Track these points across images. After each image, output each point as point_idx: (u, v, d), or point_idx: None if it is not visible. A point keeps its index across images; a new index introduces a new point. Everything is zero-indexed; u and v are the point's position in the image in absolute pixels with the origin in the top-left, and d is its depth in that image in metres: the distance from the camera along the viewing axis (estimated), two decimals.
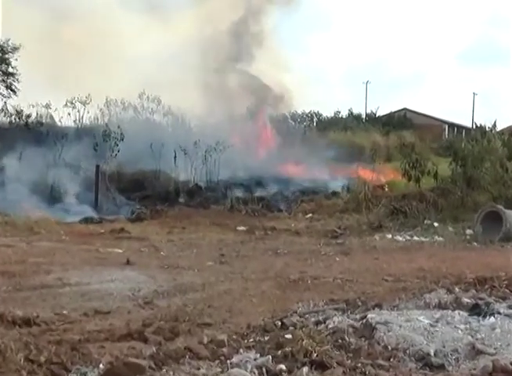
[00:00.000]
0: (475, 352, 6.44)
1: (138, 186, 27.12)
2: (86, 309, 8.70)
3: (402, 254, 14.94)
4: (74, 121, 33.82)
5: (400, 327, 7.03)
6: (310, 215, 23.27)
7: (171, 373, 6.00)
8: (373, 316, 7.47)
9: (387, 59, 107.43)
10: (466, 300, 8.57)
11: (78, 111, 33.75)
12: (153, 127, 35.72)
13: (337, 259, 14.21)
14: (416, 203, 20.87)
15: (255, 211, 23.38)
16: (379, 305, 8.57)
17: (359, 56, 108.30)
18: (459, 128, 60.32)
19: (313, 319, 7.97)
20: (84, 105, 33.59)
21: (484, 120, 68.26)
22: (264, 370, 6.03)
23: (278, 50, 43.98)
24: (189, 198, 26.27)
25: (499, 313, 7.66)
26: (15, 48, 30.99)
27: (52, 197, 24.38)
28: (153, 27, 43.41)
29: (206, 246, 16.30)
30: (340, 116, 57.63)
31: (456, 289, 9.63)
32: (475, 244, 17.04)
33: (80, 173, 26.92)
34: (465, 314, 7.75)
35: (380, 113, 61.62)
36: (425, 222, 19.85)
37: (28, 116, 31.11)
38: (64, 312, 8.51)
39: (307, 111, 53.39)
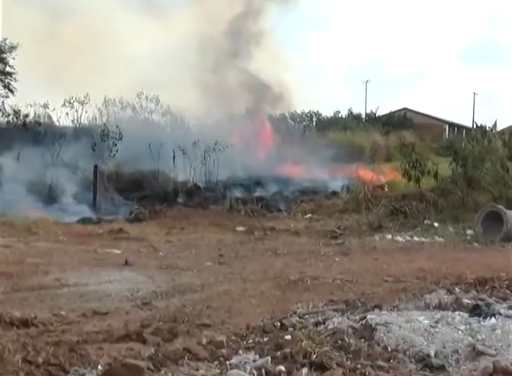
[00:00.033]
0: (476, 353, 6.45)
1: (136, 186, 27.09)
2: (84, 309, 8.70)
3: (401, 255, 14.95)
4: (72, 121, 33.81)
5: (400, 327, 7.04)
6: (309, 215, 23.27)
7: (170, 374, 6.01)
8: (372, 316, 7.48)
9: (386, 59, 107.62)
10: (466, 301, 8.58)
11: (76, 111, 33.74)
12: (151, 127, 35.74)
13: (337, 260, 14.21)
14: (416, 203, 20.87)
15: (254, 212, 23.37)
16: (379, 306, 8.58)
17: (359, 56, 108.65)
18: (460, 127, 60.36)
19: (313, 320, 7.98)
20: (82, 105, 33.56)
21: (485, 119, 68.34)
22: (263, 371, 6.03)
23: (277, 49, 44.17)
24: (187, 198, 26.25)
25: (499, 314, 7.68)
26: (12, 48, 30.96)
27: (50, 197, 24.35)
28: (151, 27, 43.52)
29: (205, 246, 16.29)
30: (339, 116, 57.77)
31: (457, 290, 9.63)
32: (476, 244, 17.05)
33: (78, 173, 26.89)
34: (465, 315, 7.76)
35: (380, 112, 61.79)
36: (425, 222, 19.85)
37: (26, 116, 31.08)
38: (62, 313, 8.50)
39: (306, 111, 53.56)
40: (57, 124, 33.10)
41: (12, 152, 26.01)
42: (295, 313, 8.56)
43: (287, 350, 6.43)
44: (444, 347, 6.59)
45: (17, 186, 22.99)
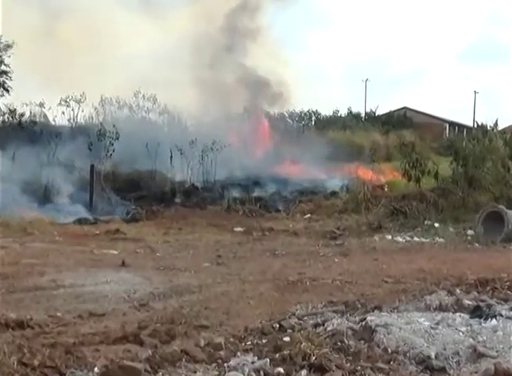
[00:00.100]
0: (477, 355, 6.44)
1: (133, 186, 27.08)
2: (80, 311, 8.69)
3: (401, 256, 14.95)
4: (68, 120, 33.89)
5: (400, 329, 7.04)
6: (308, 215, 23.27)
7: None
8: (372, 318, 7.48)
9: (386, 57, 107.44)
10: (467, 302, 8.58)
11: (72, 110, 33.84)
12: (148, 126, 35.75)
13: (336, 260, 14.20)
14: (416, 203, 20.88)
15: (253, 212, 23.37)
16: (378, 307, 8.58)
17: (359, 54, 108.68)
18: (460, 126, 60.34)
19: (312, 322, 7.97)
20: (78, 104, 33.65)
21: (486, 118, 68.01)
22: (262, 373, 6.04)
23: (276, 48, 44.14)
24: (185, 198, 26.24)
25: (500, 315, 7.67)
26: (8, 46, 30.93)
27: (46, 197, 24.34)
28: (148, 25, 43.53)
29: (202, 247, 16.30)
30: (339, 115, 57.77)
31: (457, 291, 9.63)
32: (476, 244, 17.05)
33: (74, 173, 26.88)
34: (466, 316, 7.76)
35: (380, 111, 61.80)
36: (425, 222, 19.86)
37: (21, 115, 31.12)
38: (58, 314, 8.50)
39: (305, 110, 53.55)
40: (53, 123, 33.18)
41: (7, 151, 25.97)
42: (294, 315, 8.56)
43: (286, 352, 6.43)
44: (444, 349, 6.59)
45: (12, 186, 22.95)
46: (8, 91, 31.75)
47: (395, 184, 26.22)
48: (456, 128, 60.71)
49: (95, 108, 35.48)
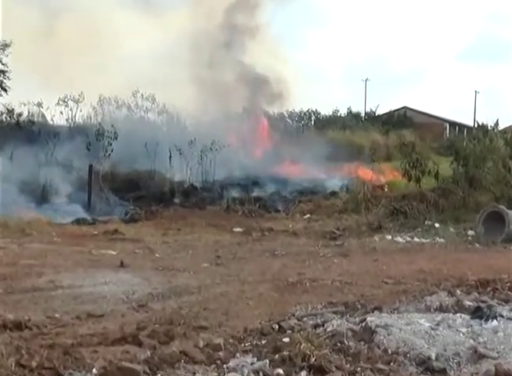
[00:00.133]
0: (477, 356, 6.45)
1: (132, 187, 27.08)
2: (79, 312, 8.69)
3: (402, 256, 14.95)
4: (67, 120, 33.89)
5: (400, 330, 7.04)
6: (308, 215, 23.27)
7: None
8: (372, 319, 7.48)
9: (386, 57, 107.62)
10: (468, 303, 8.58)
11: (71, 110, 33.83)
12: (147, 126, 35.75)
13: (336, 261, 14.20)
14: (416, 203, 20.87)
15: (252, 212, 23.37)
16: (379, 308, 8.58)
17: (358, 54, 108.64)
18: (461, 126, 60.35)
19: (311, 323, 7.97)
20: (76, 103, 33.65)
21: (486, 118, 68.12)
22: (261, 374, 6.04)
23: (275, 47, 44.03)
24: (184, 199, 26.24)
25: (501, 316, 7.67)
26: (6, 45, 30.89)
27: (44, 197, 24.33)
28: (146, 25, 43.52)
29: (201, 247, 16.30)
30: (338, 114, 57.73)
31: (458, 292, 9.64)
32: (477, 245, 17.05)
33: (72, 173, 26.87)
34: (467, 317, 7.76)
35: (380, 111, 61.80)
36: (426, 222, 19.85)
37: (19, 114, 31.09)
38: (56, 315, 8.50)
39: (305, 109, 53.52)
40: (51, 123, 33.17)
41: (5, 151, 25.98)
42: (293, 316, 8.56)
43: (286, 353, 6.43)
44: (445, 350, 6.59)
45: (10, 186, 22.95)
46: (6, 90, 31.69)
47: (395, 184, 26.21)
48: (457, 128, 60.74)
49: (94, 108, 35.52)
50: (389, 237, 18.16)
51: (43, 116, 33.14)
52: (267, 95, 41.58)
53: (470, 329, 7.24)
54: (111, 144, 26.22)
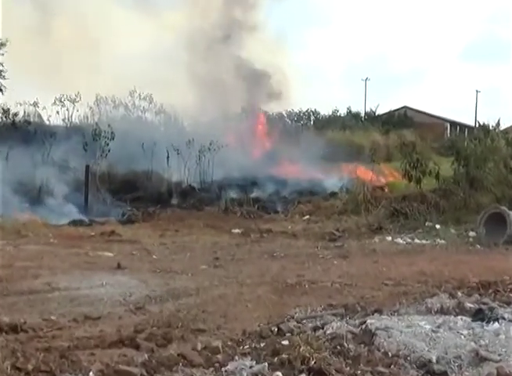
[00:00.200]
0: (479, 359, 6.44)
1: (129, 187, 27.06)
2: (75, 314, 8.70)
3: (402, 258, 14.95)
4: (63, 120, 33.79)
5: (401, 332, 7.04)
6: (307, 216, 23.27)
7: None
8: (372, 321, 7.48)
9: (386, 56, 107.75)
10: (469, 305, 8.59)
11: (67, 109, 33.71)
12: (144, 126, 35.72)
13: (336, 263, 14.21)
14: (417, 204, 20.88)
15: (251, 213, 23.35)
16: (379, 311, 8.59)
17: (358, 53, 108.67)
18: (462, 126, 60.40)
19: (311, 325, 7.98)
20: (73, 103, 33.54)
21: (488, 118, 68.24)
22: None
23: (274, 46, 44.03)
24: (182, 200, 26.25)
25: (503, 319, 7.67)
26: (1, 44, 30.83)
27: (40, 198, 24.28)
28: (144, 24, 43.49)
29: (200, 249, 16.29)
30: (338, 114, 57.75)
31: (459, 293, 9.65)
32: (478, 246, 17.06)
33: (69, 174, 26.82)
34: (468, 319, 7.76)
35: (380, 111, 61.87)
36: (426, 224, 19.86)
37: (15, 114, 31.01)
38: (53, 317, 8.50)
39: (304, 109, 53.55)
40: (47, 123, 33.07)
41: (0, 152, 25.92)
42: (293, 318, 8.57)
43: (285, 356, 6.43)
44: (446, 353, 6.59)
45: (6, 187, 22.92)
46: (1, 90, 31.62)
47: (396, 185, 26.22)
48: (458, 128, 60.82)
49: (90, 108, 35.45)
50: (389, 239, 18.17)
51: (39, 116, 33.06)
52: (266, 95, 41.62)
53: (471, 331, 7.24)
54: (108, 144, 26.19)
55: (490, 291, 10.05)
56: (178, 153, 27.67)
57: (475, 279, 11.08)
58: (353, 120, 54.48)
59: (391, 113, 60.16)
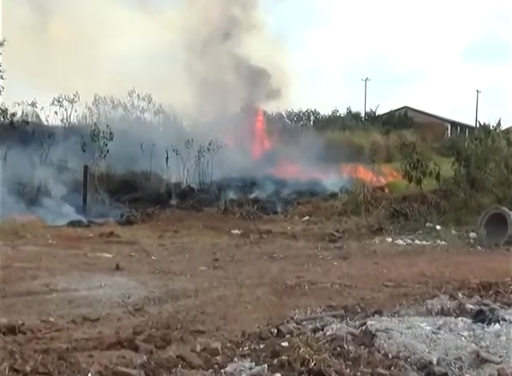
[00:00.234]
0: (479, 361, 6.45)
1: (128, 188, 27.05)
2: (74, 316, 8.69)
3: (402, 259, 14.95)
4: (61, 120, 33.87)
5: (401, 334, 7.04)
6: (307, 217, 23.26)
7: None
8: (372, 323, 7.48)
9: (387, 56, 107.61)
10: (469, 306, 8.60)
11: (66, 110, 33.82)
12: (143, 126, 35.73)
13: (335, 264, 14.21)
14: (417, 205, 20.87)
15: (250, 214, 23.34)
16: (379, 312, 8.59)
17: (358, 53, 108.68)
18: (462, 126, 60.43)
19: (311, 327, 7.98)
20: (71, 103, 33.63)
21: (489, 118, 68.17)
22: None
23: (274, 46, 44.00)
24: (181, 200, 26.24)
25: (504, 320, 7.67)
26: None
27: (38, 199, 24.27)
28: (142, 23, 43.44)
29: (199, 250, 16.29)
30: (338, 114, 57.74)
31: (460, 295, 9.65)
32: (479, 247, 17.07)
33: (67, 174, 26.83)
34: (469, 321, 7.76)
35: (380, 111, 61.90)
36: (427, 225, 19.85)
37: (13, 115, 31.00)
38: (51, 319, 8.49)
39: (304, 109, 53.54)
40: (46, 123, 33.11)
41: None
42: (292, 319, 8.57)
43: (284, 357, 6.43)
44: (446, 354, 6.59)
45: (4, 188, 22.92)
46: None
47: (396, 185, 26.22)
48: (458, 128, 60.85)
49: (89, 108, 35.54)
50: (389, 240, 18.17)
51: (37, 116, 33.11)
52: (266, 95, 41.61)
53: (472, 333, 7.24)
54: (107, 145, 26.16)
55: (491, 292, 10.05)
56: (177, 154, 27.67)
57: (476, 280, 11.08)
58: (353, 120, 54.50)
59: (391, 114, 60.18)
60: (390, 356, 6.62)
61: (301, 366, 6.22)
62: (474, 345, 6.84)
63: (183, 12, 40.93)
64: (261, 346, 7.19)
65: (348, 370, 6.28)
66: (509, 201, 20.07)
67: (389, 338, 6.91)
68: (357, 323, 7.83)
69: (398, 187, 25.50)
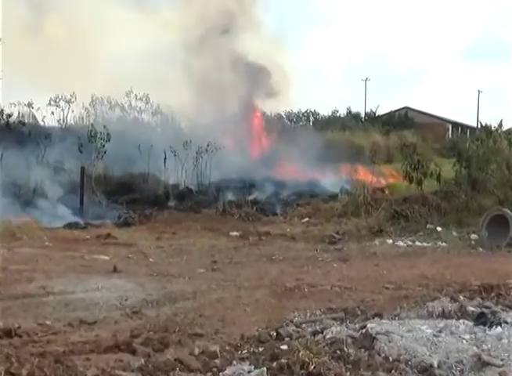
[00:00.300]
0: (481, 364, 6.45)
1: (125, 190, 27.03)
2: (71, 319, 8.69)
3: (403, 261, 14.96)
4: (58, 121, 33.76)
5: (401, 337, 7.04)
6: (306, 219, 23.24)
7: None
8: (373, 325, 7.48)
9: (387, 56, 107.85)
10: (471, 309, 8.60)
11: (62, 110, 33.71)
12: (141, 127, 35.68)
13: (335, 266, 14.21)
14: (418, 206, 20.86)
15: (249, 216, 23.33)
16: (379, 315, 8.60)
17: (358, 52, 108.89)
18: (464, 127, 60.48)
19: (310, 329, 7.99)
20: (68, 104, 33.54)
21: (490, 119, 68.38)
22: None
23: (274, 46, 43.97)
24: (179, 202, 26.22)
25: (505, 323, 7.68)
26: None
27: (35, 200, 24.24)
28: (140, 23, 43.40)
29: (197, 252, 16.29)
30: (338, 115, 57.79)
31: (461, 297, 9.65)
32: (480, 249, 17.06)
33: (64, 175, 26.80)
34: (470, 323, 7.77)
35: (380, 111, 61.96)
36: (428, 226, 19.84)
37: (9, 115, 30.94)
38: (47, 322, 8.49)
39: (303, 110, 53.57)
40: (42, 124, 33.05)
41: None
42: (292, 322, 8.57)
43: (284, 361, 6.43)
44: (447, 357, 6.59)
45: (0, 189, 22.91)
46: None
47: (396, 187, 26.22)
48: (459, 129, 60.86)
49: (86, 108, 35.45)
50: (390, 241, 18.16)
51: (34, 117, 33.05)
52: (265, 95, 41.58)
53: (473, 336, 7.25)
54: (104, 146, 26.11)
55: (492, 294, 10.06)
56: (175, 155, 27.64)
57: (477, 282, 11.08)
58: (353, 120, 54.53)
59: (391, 114, 60.22)
60: (390, 359, 6.62)
61: (301, 369, 6.22)
62: (475, 348, 6.85)
63: (181, 12, 40.91)
64: (260, 349, 7.19)
65: (348, 373, 6.28)
66: (510, 203, 20.07)
67: (389, 341, 6.91)
68: (357, 325, 7.84)
69: (398, 188, 25.50)
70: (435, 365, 6.41)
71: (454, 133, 59.39)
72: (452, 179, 22.86)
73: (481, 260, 15.09)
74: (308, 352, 6.53)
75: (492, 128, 32.28)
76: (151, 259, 14.92)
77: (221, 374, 6.30)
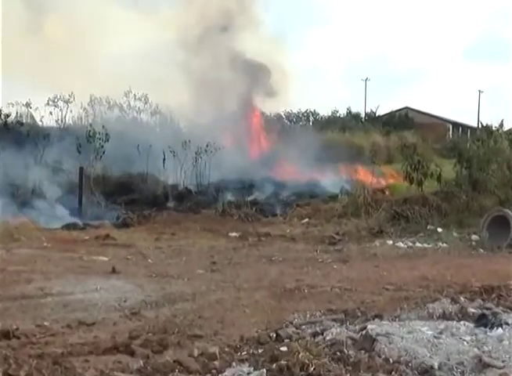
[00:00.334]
0: (482, 366, 6.45)
1: (124, 190, 27.01)
2: (69, 320, 8.69)
3: (403, 262, 14.95)
4: (57, 121, 33.76)
5: (402, 338, 7.04)
6: (306, 219, 23.22)
7: None
8: (373, 327, 7.48)
9: (387, 56, 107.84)
10: (472, 310, 8.59)
11: (61, 110, 33.72)
12: (140, 127, 35.65)
13: (335, 267, 14.21)
14: (418, 207, 20.86)
15: (248, 216, 23.32)
16: (379, 316, 8.59)
17: (359, 52, 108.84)
18: (464, 127, 60.45)
19: (310, 331, 7.98)
20: (66, 104, 33.54)
21: (491, 119, 68.49)
22: None
23: (273, 46, 43.97)
24: (178, 202, 26.21)
25: (507, 324, 7.68)
26: None
27: (33, 201, 24.23)
28: (138, 23, 43.39)
29: (196, 253, 16.28)
30: (338, 115, 57.76)
31: (461, 298, 9.65)
32: (481, 250, 17.05)
33: (62, 176, 26.80)
34: (471, 325, 7.77)
35: (381, 112, 61.90)
36: (428, 227, 19.83)
37: (7, 115, 30.94)
38: (46, 323, 8.49)
39: (303, 110, 53.55)
40: (40, 124, 33.02)
41: None
42: (291, 323, 8.57)
43: (283, 362, 6.43)
44: (448, 359, 6.59)
45: None
46: None
47: (396, 187, 26.21)
48: (460, 129, 60.83)
49: (84, 108, 35.42)
50: (390, 242, 18.15)
51: (32, 117, 33.03)
52: (264, 95, 41.57)
53: (474, 337, 7.24)
54: (102, 146, 26.08)
55: (493, 295, 10.05)
56: (174, 155, 27.62)
57: (478, 283, 11.08)
58: (353, 121, 54.49)
59: (391, 114, 60.19)
60: (391, 360, 6.62)
61: (301, 371, 6.22)
62: (476, 349, 6.85)
63: (180, 12, 40.90)
64: (260, 351, 7.19)
65: (348, 375, 6.29)
66: (511, 203, 20.07)
67: (390, 343, 6.91)
68: (357, 327, 7.83)
69: (398, 189, 25.49)
70: (436, 367, 6.41)
71: (455, 133, 59.35)
72: (452, 180, 22.85)
73: (481, 261, 15.09)
74: (307, 353, 6.53)
75: (493, 128, 32.31)
76: (150, 260, 14.92)
77: (220, 375, 6.30)
